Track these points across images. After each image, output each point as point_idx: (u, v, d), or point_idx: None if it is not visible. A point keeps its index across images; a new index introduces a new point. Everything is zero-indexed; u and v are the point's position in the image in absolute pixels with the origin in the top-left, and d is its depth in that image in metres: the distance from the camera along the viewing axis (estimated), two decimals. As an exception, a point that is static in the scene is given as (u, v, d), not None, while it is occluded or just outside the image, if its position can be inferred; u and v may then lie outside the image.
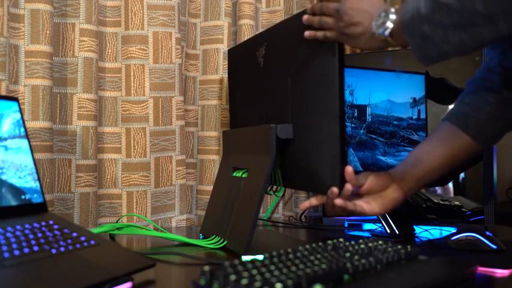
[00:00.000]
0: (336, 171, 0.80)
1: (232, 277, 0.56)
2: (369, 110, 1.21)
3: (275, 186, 1.01)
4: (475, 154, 0.91)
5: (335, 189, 0.80)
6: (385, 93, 1.20)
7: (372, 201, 0.85)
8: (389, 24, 0.72)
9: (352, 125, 1.22)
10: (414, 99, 1.17)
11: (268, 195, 1.42)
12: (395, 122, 1.18)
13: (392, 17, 0.72)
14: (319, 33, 0.80)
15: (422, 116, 1.16)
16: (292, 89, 0.91)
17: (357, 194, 0.84)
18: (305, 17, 0.83)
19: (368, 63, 1.24)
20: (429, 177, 0.89)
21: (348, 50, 1.43)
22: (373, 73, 1.22)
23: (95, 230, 0.96)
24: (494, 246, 0.88)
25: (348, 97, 1.22)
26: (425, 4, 0.67)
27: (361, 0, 0.76)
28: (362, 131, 1.21)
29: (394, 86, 1.20)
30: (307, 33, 0.82)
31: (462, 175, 1.12)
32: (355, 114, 1.22)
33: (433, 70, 1.16)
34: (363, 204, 0.84)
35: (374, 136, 1.20)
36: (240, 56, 1.14)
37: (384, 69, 1.21)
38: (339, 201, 0.82)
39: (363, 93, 1.22)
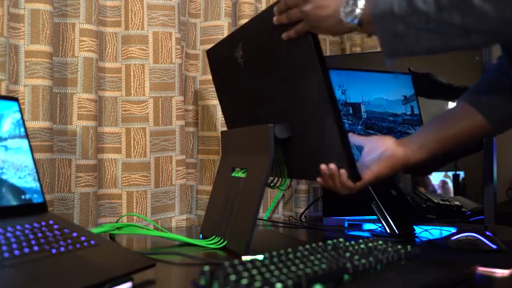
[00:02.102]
0: (340, 155, 0.81)
1: (232, 277, 0.56)
2: (363, 108, 1.22)
3: (278, 180, 1.01)
4: (484, 136, 0.91)
5: (323, 166, 0.82)
6: (376, 92, 1.21)
7: (373, 165, 0.86)
8: (358, 14, 0.72)
9: (349, 122, 1.22)
10: (405, 96, 1.18)
11: (268, 195, 1.42)
12: (390, 118, 1.18)
13: (361, 5, 0.72)
14: (291, 31, 0.81)
15: (416, 112, 1.16)
16: (279, 87, 0.91)
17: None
18: (274, 19, 0.83)
19: (354, 65, 1.25)
20: (433, 147, 0.88)
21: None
22: (361, 74, 1.23)
23: (95, 230, 0.96)
24: (494, 246, 0.88)
25: (340, 96, 1.22)
26: (400, 4, 0.67)
27: None
28: (359, 127, 1.21)
29: (383, 86, 1.21)
30: (284, 35, 0.82)
31: (462, 175, 1.12)
32: (350, 111, 1.22)
33: (430, 68, 1.16)
34: (363, 172, 0.84)
35: (372, 132, 1.20)
36: (220, 57, 1.14)
37: (371, 70, 1.22)
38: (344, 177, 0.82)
39: (354, 92, 1.23)
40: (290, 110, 0.90)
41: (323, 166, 0.83)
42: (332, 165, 0.82)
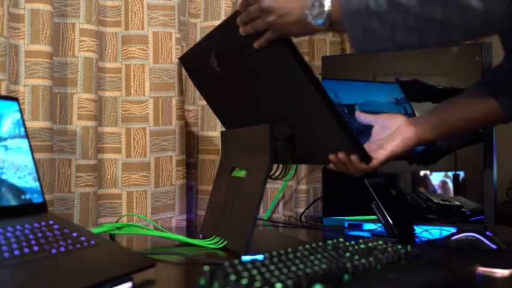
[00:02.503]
0: (347, 145, 0.82)
1: (232, 277, 0.56)
2: (357, 108, 1.22)
3: (283, 170, 1.00)
4: (495, 122, 0.91)
5: (332, 157, 0.83)
6: (368, 96, 1.22)
7: (386, 144, 0.86)
8: (327, 14, 0.72)
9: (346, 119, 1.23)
10: (396, 99, 1.18)
11: (268, 195, 1.42)
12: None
13: (328, 5, 0.71)
14: (261, 41, 0.80)
15: (409, 112, 1.17)
16: (265, 90, 0.90)
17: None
18: (240, 30, 0.82)
19: (355, 65, 1.26)
20: (445, 129, 0.88)
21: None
22: (351, 83, 1.24)
23: (95, 230, 0.96)
24: (494, 246, 0.88)
25: (333, 99, 1.23)
26: (378, 0, 0.66)
27: None
28: (357, 123, 1.22)
29: (374, 91, 1.22)
30: (255, 44, 0.81)
31: (462, 175, 1.12)
32: (346, 111, 1.23)
33: (430, 69, 1.16)
34: (376, 152, 0.85)
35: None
36: (194, 65, 1.13)
37: (361, 80, 1.23)
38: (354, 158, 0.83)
39: (347, 96, 1.24)
40: (284, 111, 0.90)
41: (331, 156, 0.84)
42: (341, 154, 0.83)
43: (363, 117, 0.98)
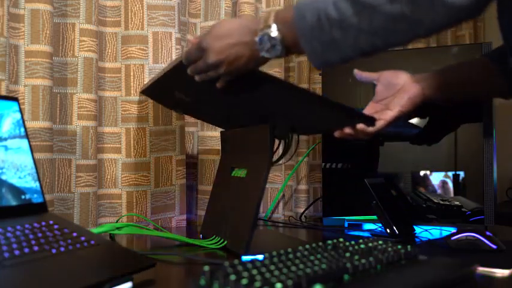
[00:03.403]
0: (350, 121, 0.84)
1: (232, 277, 0.56)
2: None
3: (284, 159, 1.00)
4: (498, 94, 0.91)
5: (338, 134, 0.85)
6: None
7: (392, 104, 0.86)
8: (280, 43, 0.69)
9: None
10: None
11: (268, 195, 1.42)
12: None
13: (276, 33, 0.69)
14: (220, 82, 0.78)
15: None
16: (249, 103, 0.90)
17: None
18: (196, 78, 0.79)
19: (355, 65, 1.25)
20: (449, 88, 0.88)
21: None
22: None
23: (95, 230, 0.96)
24: (494, 246, 0.88)
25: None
26: (339, 7, 0.64)
27: (220, 37, 0.72)
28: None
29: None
30: (217, 85, 0.78)
31: (462, 175, 1.12)
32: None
33: (430, 69, 1.16)
34: (383, 113, 0.85)
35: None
36: (160, 97, 1.14)
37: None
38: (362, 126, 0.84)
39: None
40: (277, 113, 0.90)
41: (337, 133, 0.85)
42: (347, 129, 0.84)
43: (364, 76, 0.96)
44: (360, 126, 0.83)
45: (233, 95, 0.85)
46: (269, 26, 0.69)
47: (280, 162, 1.04)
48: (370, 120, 0.84)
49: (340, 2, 0.64)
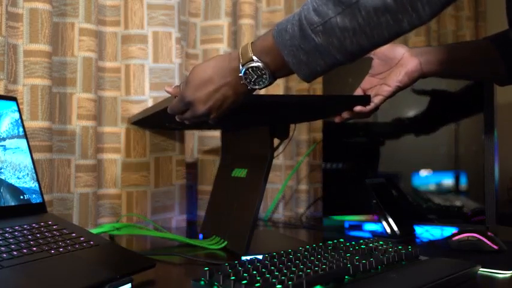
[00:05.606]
0: (345, 108, 0.86)
1: (232, 277, 0.56)
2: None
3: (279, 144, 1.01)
4: (494, 76, 0.90)
5: (338, 119, 0.88)
6: None
7: (390, 79, 0.87)
8: (265, 70, 0.67)
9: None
10: None
11: (268, 195, 1.42)
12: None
13: (258, 63, 0.67)
14: (212, 120, 0.76)
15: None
16: (246, 118, 0.92)
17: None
18: (187, 122, 0.78)
19: (355, 65, 1.26)
20: (447, 64, 0.87)
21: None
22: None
23: (95, 230, 0.95)
24: (495, 247, 0.88)
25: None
26: (321, 11, 0.61)
27: (200, 86, 0.71)
28: None
29: None
30: (210, 121, 0.77)
31: (463, 174, 1.12)
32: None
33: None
34: (380, 88, 0.87)
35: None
36: (151, 125, 1.18)
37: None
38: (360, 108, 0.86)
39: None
40: (272, 117, 0.91)
41: (337, 119, 0.88)
42: (345, 114, 0.86)
43: None
44: (357, 108, 0.85)
45: (229, 120, 0.84)
46: (250, 59, 0.68)
47: (280, 149, 1.04)
48: (365, 99, 0.85)
49: (321, 6, 0.61)
